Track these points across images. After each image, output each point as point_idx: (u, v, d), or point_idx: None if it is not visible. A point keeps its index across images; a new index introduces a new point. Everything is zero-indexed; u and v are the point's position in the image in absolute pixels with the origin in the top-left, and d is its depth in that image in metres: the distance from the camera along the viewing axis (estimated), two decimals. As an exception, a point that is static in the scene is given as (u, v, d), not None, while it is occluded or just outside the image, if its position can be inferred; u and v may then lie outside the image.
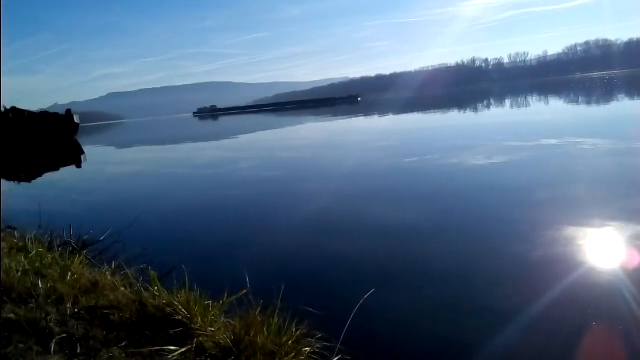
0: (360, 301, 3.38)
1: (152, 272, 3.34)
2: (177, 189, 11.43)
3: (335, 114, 49.59)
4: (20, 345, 2.43)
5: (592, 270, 4.16)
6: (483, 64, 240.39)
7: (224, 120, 72.93)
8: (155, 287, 3.22)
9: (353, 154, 14.41)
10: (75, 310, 2.93)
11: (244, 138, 28.54)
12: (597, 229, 5.15)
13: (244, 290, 3.10)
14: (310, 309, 3.14)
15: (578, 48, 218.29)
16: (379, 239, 5.68)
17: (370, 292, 3.65)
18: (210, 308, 3.04)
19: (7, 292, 3.08)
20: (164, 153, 24.94)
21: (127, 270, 3.79)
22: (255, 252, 5.53)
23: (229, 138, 29.72)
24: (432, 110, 35.65)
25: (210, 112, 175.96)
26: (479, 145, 12.91)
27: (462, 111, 32.80)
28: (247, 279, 3.21)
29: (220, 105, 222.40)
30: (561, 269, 4.17)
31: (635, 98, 28.18)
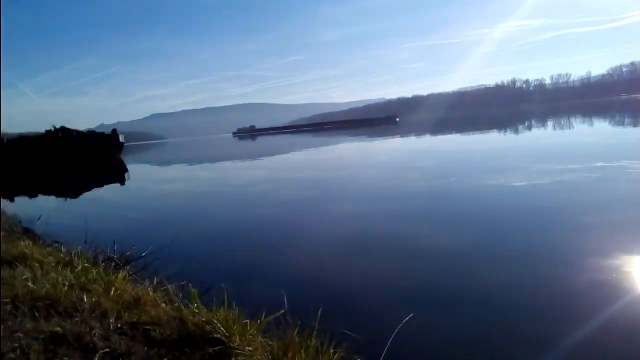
0: (399, 325, 3.32)
1: (192, 289, 3.39)
2: (217, 207, 11.63)
3: (374, 134, 49.33)
4: (66, 358, 2.49)
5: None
6: (524, 85, 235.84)
7: (263, 141, 73.75)
8: (195, 305, 3.26)
9: (393, 175, 14.30)
10: (118, 325, 2.99)
11: (283, 158, 28.87)
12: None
13: (282, 311, 3.09)
14: (349, 332, 3.11)
15: (623, 69, 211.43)
16: (419, 261, 5.58)
17: (410, 316, 3.58)
18: (248, 327, 3.04)
19: (54, 305, 3.18)
20: (204, 172, 25.49)
21: (168, 287, 3.86)
22: (293, 272, 5.53)
23: (268, 157, 30.15)
24: (474, 132, 35.09)
25: (249, 133, 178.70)
26: (522, 169, 12.59)
27: (503, 133, 32.14)
28: (285, 299, 3.21)
29: (258, 125, 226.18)
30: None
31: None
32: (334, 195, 11.57)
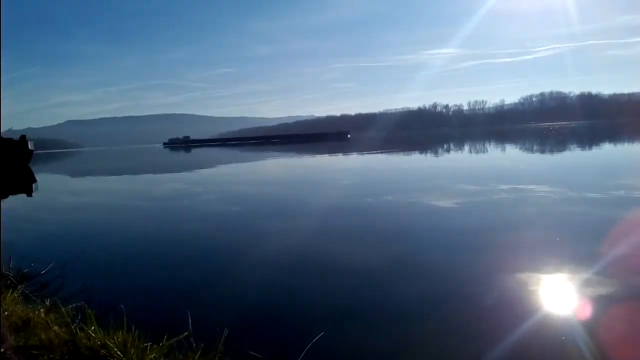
0: (308, 345, 3.32)
1: (89, 311, 3.18)
2: (128, 222, 11.00)
3: (330, 150, 48.12)
4: None
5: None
6: (444, 110, 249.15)
7: (202, 153, 67.77)
8: (92, 328, 3.07)
9: (317, 192, 14.46)
10: (1, 350, 2.74)
11: (211, 172, 28.17)
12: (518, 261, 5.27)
13: (186, 333, 2.99)
14: (254, 354, 3.06)
15: (534, 99, 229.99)
16: (330, 279, 5.60)
17: (320, 335, 3.59)
18: (149, 351, 2.91)
19: None
20: (121, 185, 24.27)
21: (63, 309, 3.60)
22: (201, 292, 5.32)
23: (193, 171, 29.36)
24: (411, 152, 36.19)
25: (183, 144, 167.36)
26: (433, 188, 13.20)
27: (434, 154, 33.63)
28: (190, 321, 3.11)
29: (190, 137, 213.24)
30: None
31: (582, 148, 29.69)
32: (258, 211, 11.42)
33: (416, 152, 36.29)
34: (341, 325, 4.23)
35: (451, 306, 4.54)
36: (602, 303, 4.34)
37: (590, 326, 3.86)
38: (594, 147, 30.05)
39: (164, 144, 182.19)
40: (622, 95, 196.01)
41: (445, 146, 43.93)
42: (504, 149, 34.28)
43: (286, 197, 14.09)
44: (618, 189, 11.26)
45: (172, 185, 20.61)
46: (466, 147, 39.52)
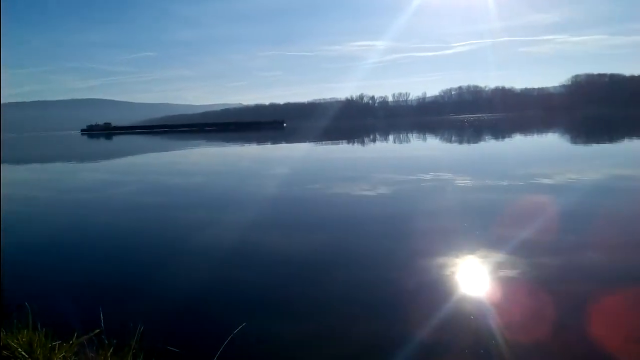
0: (229, 337, 3.31)
1: (-10, 311, 2.98)
2: (34, 215, 10.24)
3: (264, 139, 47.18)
4: None
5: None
6: (370, 101, 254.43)
7: (129, 142, 60.82)
8: (-6, 329, 2.88)
9: (234, 183, 14.33)
10: None
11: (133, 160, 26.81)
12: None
13: (97, 330, 2.89)
14: (172, 348, 3.01)
15: (453, 92, 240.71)
16: (249, 268, 5.60)
17: (242, 326, 3.59)
18: (57, 350, 2.78)
19: None
20: (30, 175, 22.61)
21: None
22: (116, 287, 5.14)
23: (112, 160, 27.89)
24: (350, 142, 36.67)
25: (104, 131, 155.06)
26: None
27: (361, 144, 34.30)
28: (102, 318, 3.00)
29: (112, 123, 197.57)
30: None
31: (486, 139, 31.70)
32: (180, 201, 11.13)
33: (355, 142, 36.97)
34: (261, 315, 4.26)
35: (366, 288, 4.72)
36: (502, 281, 4.70)
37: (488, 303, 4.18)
38: (495, 138, 32.37)
39: (82, 130, 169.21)
40: (533, 89, 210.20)
41: (371, 136, 45.10)
42: (422, 139, 35.82)
43: (224, 187, 13.83)
44: (511, 177, 12.15)
45: (87, 176, 19.56)
46: (390, 138, 40.82)
